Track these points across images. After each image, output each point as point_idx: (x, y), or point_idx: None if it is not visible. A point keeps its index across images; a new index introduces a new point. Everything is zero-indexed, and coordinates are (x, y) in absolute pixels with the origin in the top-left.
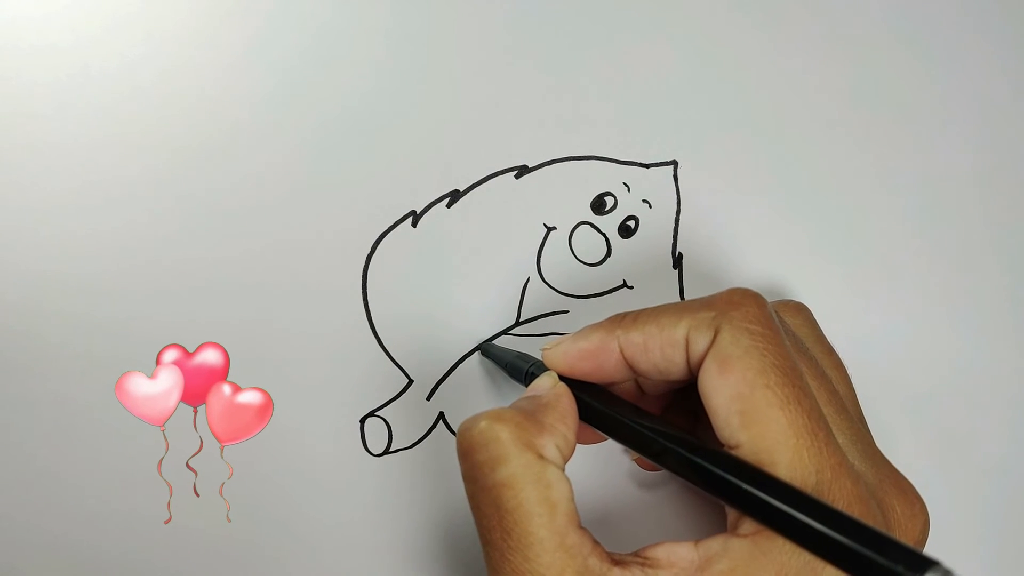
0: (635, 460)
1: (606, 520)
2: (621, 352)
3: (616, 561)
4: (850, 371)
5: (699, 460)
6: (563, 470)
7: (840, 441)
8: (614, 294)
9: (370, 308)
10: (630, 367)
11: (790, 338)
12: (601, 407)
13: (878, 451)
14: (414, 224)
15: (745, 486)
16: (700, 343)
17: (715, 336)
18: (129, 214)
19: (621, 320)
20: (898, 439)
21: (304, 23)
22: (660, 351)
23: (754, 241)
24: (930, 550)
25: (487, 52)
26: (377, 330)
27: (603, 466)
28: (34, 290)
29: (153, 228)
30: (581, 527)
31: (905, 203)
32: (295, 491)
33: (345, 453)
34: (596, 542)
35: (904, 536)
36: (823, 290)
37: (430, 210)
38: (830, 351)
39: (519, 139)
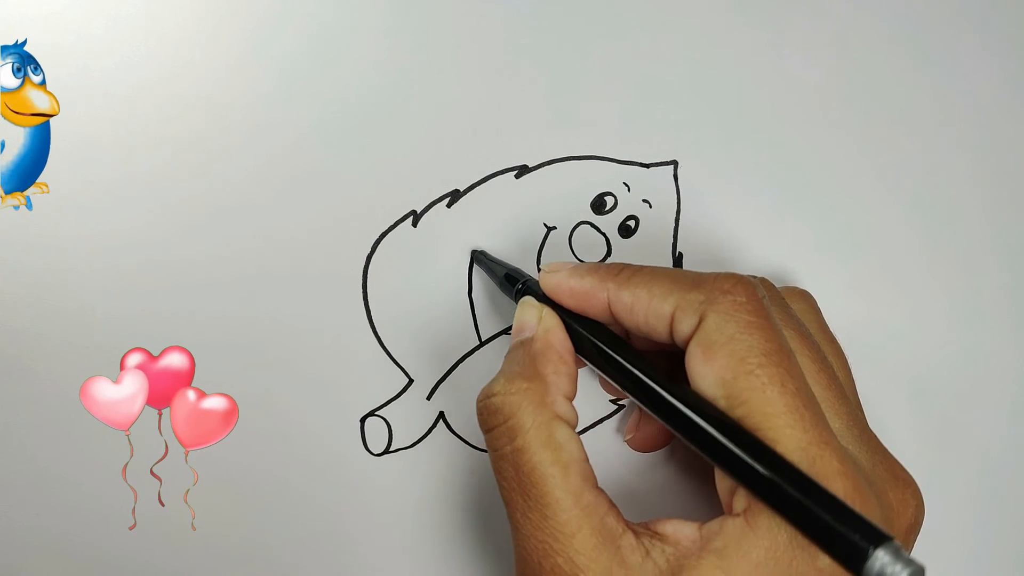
0: (627, 441)
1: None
2: (609, 305)
3: (629, 527)
4: (850, 364)
5: (675, 402)
6: (574, 426)
7: (835, 425)
8: None
9: (370, 308)
10: (615, 318)
11: (792, 322)
12: (593, 341)
13: (874, 438)
14: (414, 224)
15: (713, 431)
16: (686, 325)
17: (700, 321)
18: (129, 213)
19: (617, 274)
20: (896, 430)
21: (304, 23)
22: (644, 318)
23: (754, 240)
24: (926, 538)
25: (487, 52)
26: (377, 330)
27: (604, 456)
28: (37, 289)
29: (153, 227)
30: (597, 487)
31: (905, 202)
32: (295, 490)
33: (345, 453)
34: (612, 503)
35: (897, 521)
36: (823, 289)
37: (430, 210)
38: (832, 340)
39: (519, 139)
